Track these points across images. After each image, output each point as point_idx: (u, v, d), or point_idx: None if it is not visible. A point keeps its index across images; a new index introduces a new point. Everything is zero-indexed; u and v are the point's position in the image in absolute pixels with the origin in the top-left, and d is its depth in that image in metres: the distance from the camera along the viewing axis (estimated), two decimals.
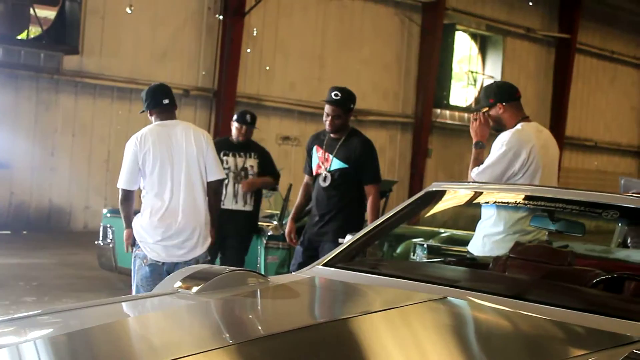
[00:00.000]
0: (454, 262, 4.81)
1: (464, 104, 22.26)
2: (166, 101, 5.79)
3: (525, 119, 5.65)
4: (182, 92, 16.36)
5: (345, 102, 6.16)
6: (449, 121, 21.90)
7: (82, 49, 14.93)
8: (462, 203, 4.80)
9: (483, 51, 22.69)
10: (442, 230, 8.41)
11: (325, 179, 6.27)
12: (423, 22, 20.42)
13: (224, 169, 6.91)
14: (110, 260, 9.28)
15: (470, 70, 22.37)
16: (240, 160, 7.68)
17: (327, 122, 6.22)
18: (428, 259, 6.99)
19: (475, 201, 4.77)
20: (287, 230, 6.60)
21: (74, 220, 15.39)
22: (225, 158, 7.64)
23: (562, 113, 24.04)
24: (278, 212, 8.38)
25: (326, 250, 6.03)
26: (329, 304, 3.48)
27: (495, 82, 5.78)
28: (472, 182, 4.98)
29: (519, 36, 23.33)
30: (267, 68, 17.78)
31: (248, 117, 7.96)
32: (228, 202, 7.54)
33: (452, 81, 21.24)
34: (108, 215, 9.54)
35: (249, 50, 17.30)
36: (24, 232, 14.33)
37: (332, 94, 6.18)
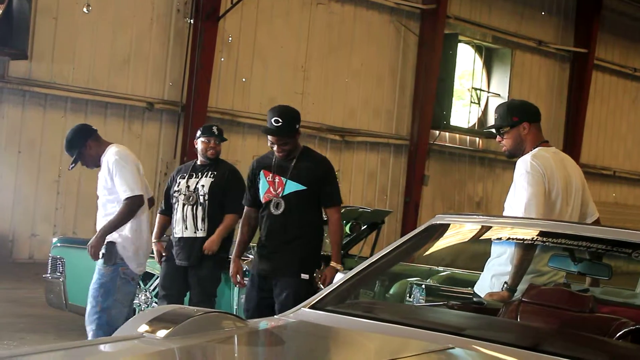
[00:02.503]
0: (459, 307, 4.80)
1: (466, 125, 22.34)
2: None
3: (545, 142, 5.70)
4: (146, 105, 16.35)
5: (289, 127, 6.19)
6: (448, 144, 21.98)
7: (31, 53, 14.86)
8: (468, 239, 4.79)
9: (488, 65, 22.82)
10: (440, 268, 8.42)
11: (277, 205, 6.25)
12: (421, 31, 20.53)
13: (175, 191, 7.66)
14: (60, 297, 9.22)
15: (474, 86, 22.47)
16: (192, 181, 7.65)
17: (276, 151, 6.28)
18: (427, 301, 6.99)
19: (483, 237, 4.77)
20: (232, 270, 6.56)
21: (18, 249, 15.27)
22: (179, 180, 7.64)
23: (576, 137, 24.18)
24: (255, 244, 8.32)
25: (284, 287, 6.16)
26: (318, 354, 3.45)
27: (512, 100, 5.83)
28: (479, 215, 4.95)
29: (529, 49, 23.49)
30: (244, 80, 17.78)
31: (215, 129, 7.96)
32: (178, 230, 7.57)
33: (453, 99, 21.31)
34: (58, 245, 9.50)
35: (222, 59, 17.31)
36: None
37: (272, 120, 6.17)
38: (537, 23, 23.54)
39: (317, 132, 18.99)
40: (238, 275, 6.50)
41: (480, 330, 3.67)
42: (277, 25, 18.26)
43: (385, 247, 4.26)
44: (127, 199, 6.45)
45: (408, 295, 7.25)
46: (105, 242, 6.49)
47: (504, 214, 5.53)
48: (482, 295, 5.46)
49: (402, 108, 20.75)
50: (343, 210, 9.19)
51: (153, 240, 7.49)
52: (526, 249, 5.15)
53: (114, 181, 6.48)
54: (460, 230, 4.61)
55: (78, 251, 9.38)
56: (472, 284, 7.85)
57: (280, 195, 6.23)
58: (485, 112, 22.63)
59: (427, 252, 4.93)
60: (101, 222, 6.64)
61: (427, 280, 7.87)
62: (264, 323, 3.73)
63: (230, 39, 17.45)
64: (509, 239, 4.91)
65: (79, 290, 9.15)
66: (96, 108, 15.86)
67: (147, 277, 8.60)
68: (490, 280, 5.52)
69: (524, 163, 5.49)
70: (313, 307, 3.89)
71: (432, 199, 21.73)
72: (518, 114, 5.63)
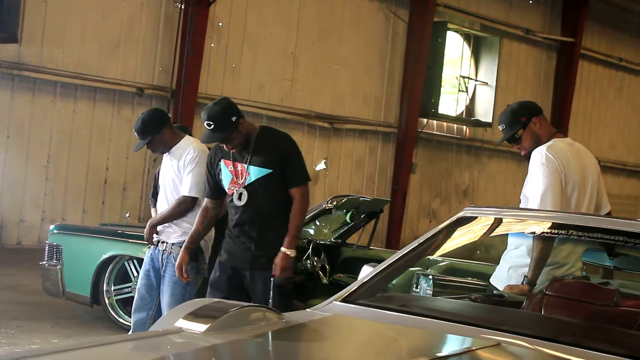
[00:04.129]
0: (482, 300, 4.74)
1: (453, 114, 22.30)
2: None
3: (558, 133, 5.67)
4: (136, 91, 16.20)
5: (223, 125, 5.70)
6: (436, 132, 21.96)
7: (20, 36, 14.66)
8: (495, 231, 4.74)
9: (476, 54, 22.77)
10: (439, 258, 8.37)
11: (240, 196, 5.85)
12: (410, 18, 20.44)
13: None
14: (57, 285, 9.14)
15: (462, 75, 22.43)
16: None
17: (227, 149, 5.88)
18: (434, 292, 6.94)
19: (508, 229, 4.73)
20: (178, 260, 6.14)
21: (6, 235, 15.11)
22: None
23: (562, 126, 24.19)
24: None
25: (260, 281, 5.82)
26: (366, 349, 3.38)
27: (509, 105, 5.79)
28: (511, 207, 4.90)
29: (517, 38, 23.51)
30: (233, 66, 17.67)
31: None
32: None
33: (442, 87, 21.27)
34: (55, 232, 9.39)
35: (212, 45, 17.19)
36: None
37: (205, 124, 5.73)
38: (525, 12, 23.54)
39: (305, 119, 18.91)
40: (184, 266, 6.09)
41: (520, 325, 3.62)
42: (267, 11, 18.14)
43: (415, 240, 4.21)
44: (185, 197, 6.37)
45: (415, 286, 7.18)
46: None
47: (520, 205, 5.50)
48: (499, 287, 5.42)
49: (391, 96, 20.70)
50: (344, 199, 9.17)
51: None
52: (546, 242, 5.11)
53: (182, 173, 6.38)
54: (488, 223, 4.56)
55: (75, 238, 9.34)
56: (472, 274, 7.85)
57: (244, 184, 5.84)
58: (473, 100, 22.59)
59: (455, 244, 4.87)
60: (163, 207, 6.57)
61: (428, 270, 7.82)
62: (299, 317, 3.66)
63: (220, 24, 17.32)
64: (531, 231, 4.87)
65: (76, 278, 9.10)
66: (85, 93, 15.69)
67: None
68: (508, 272, 5.48)
69: (539, 154, 5.45)
70: (345, 300, 3.83)
71: (419, 187, 21.73)
72: (524, 113, 5.63)
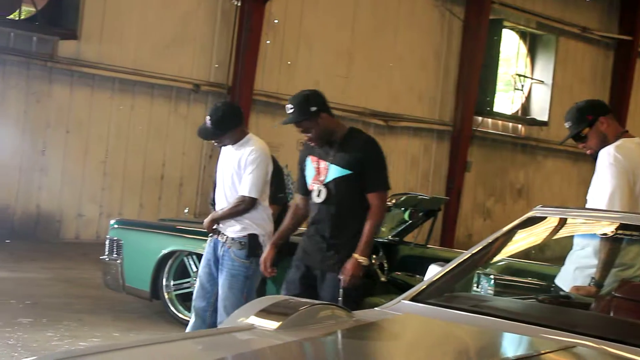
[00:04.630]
0: (549, 301, 4.69)
1: (508, 112, 22.16)
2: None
3: (625, 133, 5.59)
4: (192, 87, 16.33)
5: (300, 111, 5.74)
6: (491, 130, 21.83)
7: (80, 33, 14.85)
8: (563, 231, 4.69)
9: (532, 52, 22.59)
10: (498, 258, 8.29)
11: (319, 193, 5.82)
12: (466, 16, 20.35)
13: None
14: (117, 279, 9.21)
15: (517, 73, 22.26)
16: None
17: (308, 142, 5.92)
18: (495, 292, 6.89)
19: (577, 230, 4.68)
20: (264, 256, 6.15)
21: (65, 229, 15.31)
22: None
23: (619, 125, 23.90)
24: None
25: (329, 283, 5.79)
26: (442, 350, 3.36)
27: (577, 103, 5.70)
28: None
29: (573, 36, 23.26)
30: (289, 62, 17.71)
31: None
32: None
33: (497, 85, 21.12)
34: (116, 226, 9.46)
35: (268, 42, 17.24)
36: (7, 241, 14.23)
37: (287, 107, 5.81)
38: (582, 9, 23.29)
39: (360, 116, 18.88)
40: (268, 262, 6.09)
41: (593, 326, 3.58)
42: (322, 8, 18.15)
43: (484, 239, 4.18)
44: (244, 197, 6.37)
45: (475, 285, 7.12)
46: (246, 235, 6.38)
47: (586, 206, 5.43)
48: (565, 288, 5.36)
49: (446, 93, 20.61)
50: (403, 197, 9.13)
51: None
52: (614, 243, 5.04)
53: (242, 171, 6.38)
54: (553, 223, 4.51)
55: (135, 233, 9.40)
56: (531, 274, 7.78)
57: (324, 182, 5.81)
58: (528, 98, 22.43)
59: (524, 245, 4.83)
60: (222, 203, 6.56)
61: (487, 270, 7.76)
62: (369, 315, 3.65)
63: (276, 21, 17.36)
64: (599, 232, 4.81)
65: (136, 273, 9.17)
66: (143, 89, 15.83)
67: None
68: (573, 272, 5.41)
69: (607, 155, 5.37)
70: (414, 299, 3.81)
71: (474, 186, 21.60)
72: (591, 112, 5.53)
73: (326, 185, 5.81)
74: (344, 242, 5.78)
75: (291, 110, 5.77)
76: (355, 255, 5.68)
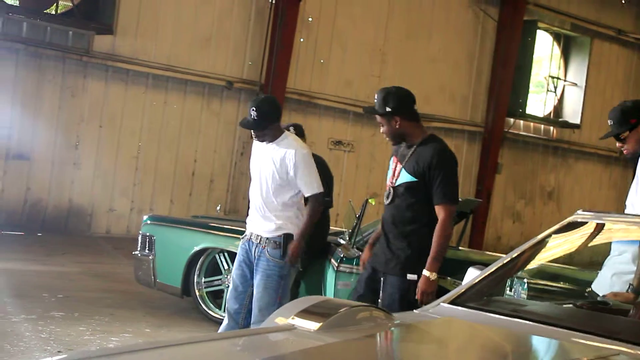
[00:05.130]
0: (587, 306, 4.66)
1: (540, 114, 22.04)
2: None
3: None
4: (225, 84, 16.36)
5: (378, 105, 5.77)
6: (522, 132, 21.73)
7: (115, 28, 14.97)
8: (604, 236, 4.66)
9: (566, 54, 22.46)
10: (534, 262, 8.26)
11: (388, 195, 5.86)
12: (500, 16, 20.25)
13: None
14: (149, 275, 9.24)
15: (551, 75, 22.14)
16: None
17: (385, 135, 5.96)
18: (529, 296, 6.85)
19: (617, 235, 4.65)
20: (362, 256, 6.27)
21: (96, 223, 15.41)
22: None
23: None
24: (349, 230, 8.26)
25: (388, 286, 5.78)
26: (480, 354, 3.35)
27: (624, 102, 5.62)
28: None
29: (608, 38, 23.10)
30: (322, 61, 17.71)
31: (291, 129, 8.14)
32: None
33: (530, 87, 21.02)
34: (149, 222, 9.49)
35: (302, 40, 17.25)
36: (39, 234, 14.34)
37: (374, 96, 5.87)
38: (617, 12, 23.11)
39: None
40: (365, 263, 6.15)
41: (631, 333, 3.54)
42: (356, 7, 18.13)
43: (524, 243, 4.15)
44: (316, 194, 6.42)
45: (509, 289, 7.09)
46: (282, 235, 6.37)
47: (626, 211, 5.38)
48: (602, 294, 5.32)
49: (478, 94, 20.53)
50: None
51: None
52: None
53: (296, 175, 6.34)
54: (594, 228, 4.48)
55: (168, 229, 9.43)
56: (565, 279, 7.73)
57: (394, 185, 5.82)
58: (561, 100, 22.30)
59: (562, 249, 4.79)
60: (257, 200, 6.53)
61: (520, 274, 7.73)
62: (408, 318, 3.64)
63: (310, 19, 17.36)
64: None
65: (168, 269, 9.20)
66: (176, 85, 15.88)
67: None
68: (611, 278, 5.37)
69: None
70: (453, 302, 3.79)
71: (504, 188, 21.51)
72: (635, 115, 5.46)
73: (395, 188, 5.84)
74: (403, 247, 5.77)
75: (376, 100, 5.81)
76: (425, 271, 5.62)
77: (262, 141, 6.47)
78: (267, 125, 6.34)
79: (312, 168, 6.43)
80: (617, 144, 5.59)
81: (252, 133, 6.46)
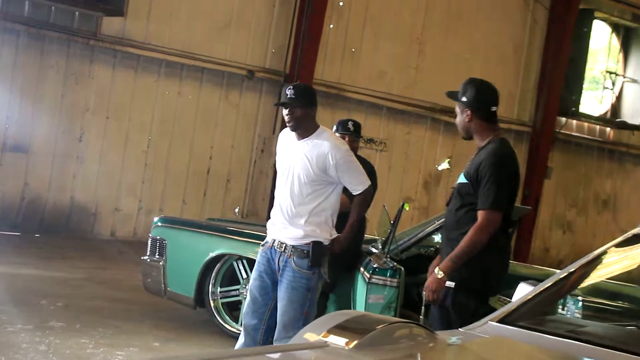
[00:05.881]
0: None
1: (596, 113, 21.95)
2: None
3: None
4: (246, 74, 16.40)
5: (462, 92, 6.05)
6: (575, 133, 21.64)
7: (126, 10, 15.01)
8: None
9: (626, 47, 22.35)
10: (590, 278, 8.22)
11: (449, 196, 6.18)
12: (553, 4, 20.20)
13: None
14: (159, 283, 9.25)
15: (608, 70, 22.05)
16: None
17: None
18: (583, 315, 6.82)
19: None
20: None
21: (100, 224, 15.47)
22: None
23: None
24: (383, 238, 8.25)
25: (443, 292, 5.87)
26: None
27: None
28: None
29: None
30: (353, 50, 17.72)
31: (350, 124, 8.45)
32: None
33: (585, 83, 20.94)
34: (160, 224, 9.49)
35: (331, 26, 17.26)
36: (37, 235, 14.41)
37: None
38: None
39: (429, 112, 18.85)
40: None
41: None
42: None
43: (580, 259, 4.13)
44: (365, 190, 6.52)
45: (561, 307, 7.06)
46: (310, 242, 6.35)
47: None
48: None
49: (526, 91, 20.47)
50: None
51: None
52: None
53: (340, 173, 6.36)
54: None
55: (181, 233, 9.44)
56: (622, 297, 7.68)
57: (455, 185, 6.11)
58: (619, 98, 22.20)
59: (626, 266, 4.76)
60: (285, 200, 6.50)
61: (574, 291, 7.69)
62: (453, 338, 3.63)
63: (341, 4, 17.38)
64: None
65: (180, 277, 9.20)
66: (192, 73, 15.94)
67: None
68: None
69: None
70: (502, 321, 3.78)
71: (553, 194, 21.43)
72: None
73: (454, 189, 6.09)
74: (448, 252, 5.92)
75: (458, 91, 6.10)
76: (436, 269, 5.83)
77: (296, 130, 6.42)
78: (305, 104, 6.35)
79: (356, 163, 6.50)
80: None
81: (287, 120, 6.39)
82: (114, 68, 15.29)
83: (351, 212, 6.57)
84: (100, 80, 15.18)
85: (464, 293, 5.85)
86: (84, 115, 15.12)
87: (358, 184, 6.46)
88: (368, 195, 6.55)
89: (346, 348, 3.17)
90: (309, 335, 3.34)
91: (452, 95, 6.11)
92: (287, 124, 6.43)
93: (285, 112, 6.40)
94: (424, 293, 5.83)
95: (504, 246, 6.11)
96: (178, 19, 15.70)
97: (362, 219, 6.72)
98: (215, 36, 16.10)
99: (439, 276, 5.77)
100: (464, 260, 5.75)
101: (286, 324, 6.25)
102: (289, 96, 6.35)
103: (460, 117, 6.02)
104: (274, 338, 6.31)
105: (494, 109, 5.99)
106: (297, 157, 6.41)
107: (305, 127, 6.38)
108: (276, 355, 3.27)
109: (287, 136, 6.59)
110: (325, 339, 3.24)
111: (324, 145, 6.35)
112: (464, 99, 5.96)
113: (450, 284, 5.83)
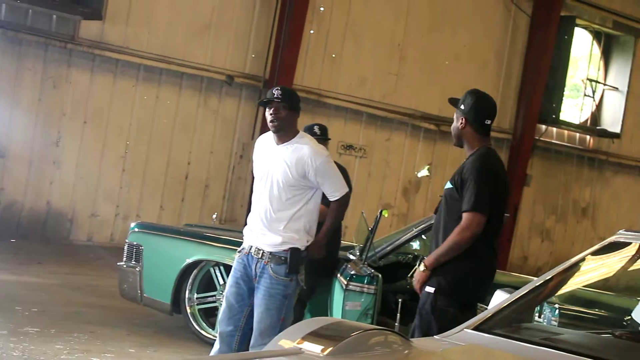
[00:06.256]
0: (627, 336, 4.64)
1: (576, 121, 22.03)
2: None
3: None
4: (225, 79, 16.36)
5: (462, 99, 6.26)
6: (555, 141, 21.71)
7: (105, 13, 14.95)
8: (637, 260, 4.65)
9: (607, 54, 22.46)
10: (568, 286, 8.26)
11: (438, 202, 6.40)
12: (534, 11, 20.25)
13: None
14: (135, 289, 9.26)
15: (589, 77, 22.13)
16: None
17: None
18: (560, 323, 6.86)
19: None
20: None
21: (77, 230, 15.40)
22: None
23: None
24: (360, 244, 8.27)
25: (423, 298, 6.10)
26: None
27: None
28: None
29: None
30: (334, 55, 17.72)
31: (317, 128, 8.62)
32: None
33: (565, 90, 21.02)
34: (137, 230, 9.50)
35: (312, 31, 17.25)
36: (12, 240, 14.35)
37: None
38: None
39: (409, 119, 18.88)
40: None
41: None
42: None
43: (558, 266, 4.15)
44: (343, 196, 6.55)
45: (537, 315, 7.10)
46: (288, 249, 6.36)
47: None
48: None
49: (507, 98, 20.51)
50: None
51: None
52: None
53: (319, 179, 6.38)
54: (636, 250, 4.47)
55: (158, 239, 9.45)
56: (600, 305, 7.71)
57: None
58: (600, 106, 22.29)
59: (603, 273, 4.79)
60: (262, 205, 6.49)
61: (551, 298, 7.72)
62: (428, 344, 3.64)
63: (322, 9, 17.37)
64: None
65: (157, 283, 9.22)
66: (170, 78, 15.91)
67: None
68: None
69: None
70: (477, 328, 3.79)
71: (532, 202, 21.49)
72: None
73: (442, 196, 6.31)
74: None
75: (459, 100, 6.30)
76: (421, 265, 6.20)
77: (278, 131, 6.43)
78: (290, 107, 6.39)
79: (335, 169, 6.54)
80: None
81: (270, 119, 6.39)
82: (92, 72, 15.23)
83: (327, 217, 6.59)
84: (77, 85, 15.11)
85: (442, 298, 5.99)
86: (61, 119, 15.05)
87: (336, 190, 6.48)
88: (345, 202, 6.57)
89: (321, 355, 3.18)
90: (284, 342, 3.34)
91: (453, 102, 6.31)
92: (270, 124, 6.42)
93: (269, 112, 6.41)
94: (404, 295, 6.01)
95: (485, 253, 6.17)
96: (157, 23, 15.66)
97: (337, 225, 6.73)
98: (194, 41, 16.07)
99: (421, 269, 6.11)
100: (446, 259, 6.01)
101: (263, 331, 6.25)
102: (275, 96, 6.39)
103: (455, 124, 6.28)
104: (250, 345, 6.31)
105: (488, 122, 6.26)
106: (276, 161, 6.41)
107: (286, 130, 6.41)
108: None
109: (265, 141, 6.60)
110: (300, 346, 3.25)
111: (304, 150, 6.37)
112: (462, 107, 6.20)
113: (430, 289, 6.03)
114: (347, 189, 6.57)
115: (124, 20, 15.30)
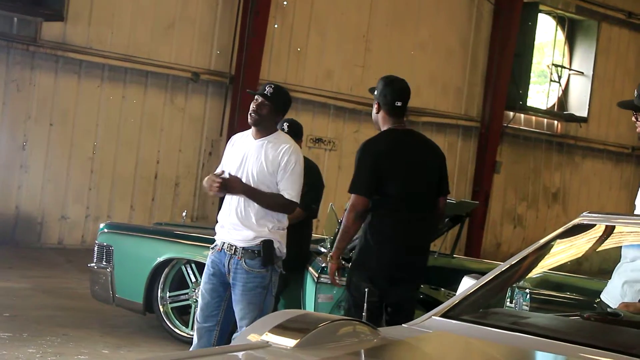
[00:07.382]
0: (595, 318, 4.68)
1: (543, 107, 22.14)
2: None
3: None
4: (191, 76, 16.33)
5: (374, 90, 6.56)
6: (523, 127, 21.81)
7: (66, 14, 14.88)
8: (612, 241, 4.69)
9: (571, 39, 22.58)
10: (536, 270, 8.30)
11: None
12: None
13: None
14: (107, 289, 9.23)
15: (554, 63, 22.24)
16: None
17: None
18: (531, 308, 6.88)
19: (627, 239, 4.67)
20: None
21: (47, 233, 15.33)
22: None
23: None
24: (331, 237, 8.27)
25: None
26: None
27: None
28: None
29: (617, 22, 23.19)
30: (299, 49, 17.72)
31: (285, 125, 8.35)
32: None
33: (531, 76, 21.11)
34: (106, 231, 9.48)
35: (276, 26, 17.25)
36: None
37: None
38: None
39: None
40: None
41: None
42: None
43: (524, 250, 4.18)
44: (293, 202, 6.47)
45: (509, 300, 7.12)
46: (260, 243, 6.36)
47: (636, 212, 5.41)
48: (612, 304, 5.34)
49: (473, 86, 20.59)
50: None
51: None
52: None
53: (284, 173, 6.37)
54: (603, 232, 4.51)
55: (128, 239, 9.43)
56: (571, 288, 7.77)
57: None
58: (566, 91, 22.42)
59: (567, 256, 4.82)
60: (238, 211, 6.41)
61: (521, 283, 7.76)
62: (395, 333, 3.65)
63: (285, 3, 17.37)
64: None
65: (128, 283, 9.20)
66: (136, 77, 15.85)
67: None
68: (622, 287, 5.39)
69: None
70: (445, 315, 3.81)
71: (503, 189, 21.59)
72: None
73: None
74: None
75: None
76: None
77: (255, 125, 6.43)
78: (275, 107, 6.40)
79: (300, 176, 6.51)
80: (633, 118, 5.57)
81: (252, 110, 6.39)
82: (56, 74, 15.15)
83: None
84: (42, 87, 15.03)
85: (356, 274, 6.54)
86: (26, 123, 14.96)
87: (291, 191, 6.41)
88: (290, 210, 6.53)
89: (288, 347, 3.18)
90: (252, 336, 3.35)
91: (371, 90, 6.62)
92: (249, 115, 6.43)
93: (253, 104, 6.44)
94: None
95: (389, 232, 6.54)
96: (120, 22, 15.61)
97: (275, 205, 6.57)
98: (158, 39, 16.03)
99: (329, 260, 6.77)
100: (343, 244, 6.68)
101: (248, 320, 6.24)
102: (266, 92, 6.41)
103: (373, 110, 6.62)
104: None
105: (398, 103, 6.50)
106: (252, 156, 6.42)
107: (264, 127, 6.42)
108: (217, 357, 3.28)
109: (241, 136, 6.61)
110: (267, 339, 3.25)
111: (282, 146, 6.40)
112: (375, 93, 6.52)
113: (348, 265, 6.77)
114: (298, 202, 6.51)
115: (86, 20, 15.23)
